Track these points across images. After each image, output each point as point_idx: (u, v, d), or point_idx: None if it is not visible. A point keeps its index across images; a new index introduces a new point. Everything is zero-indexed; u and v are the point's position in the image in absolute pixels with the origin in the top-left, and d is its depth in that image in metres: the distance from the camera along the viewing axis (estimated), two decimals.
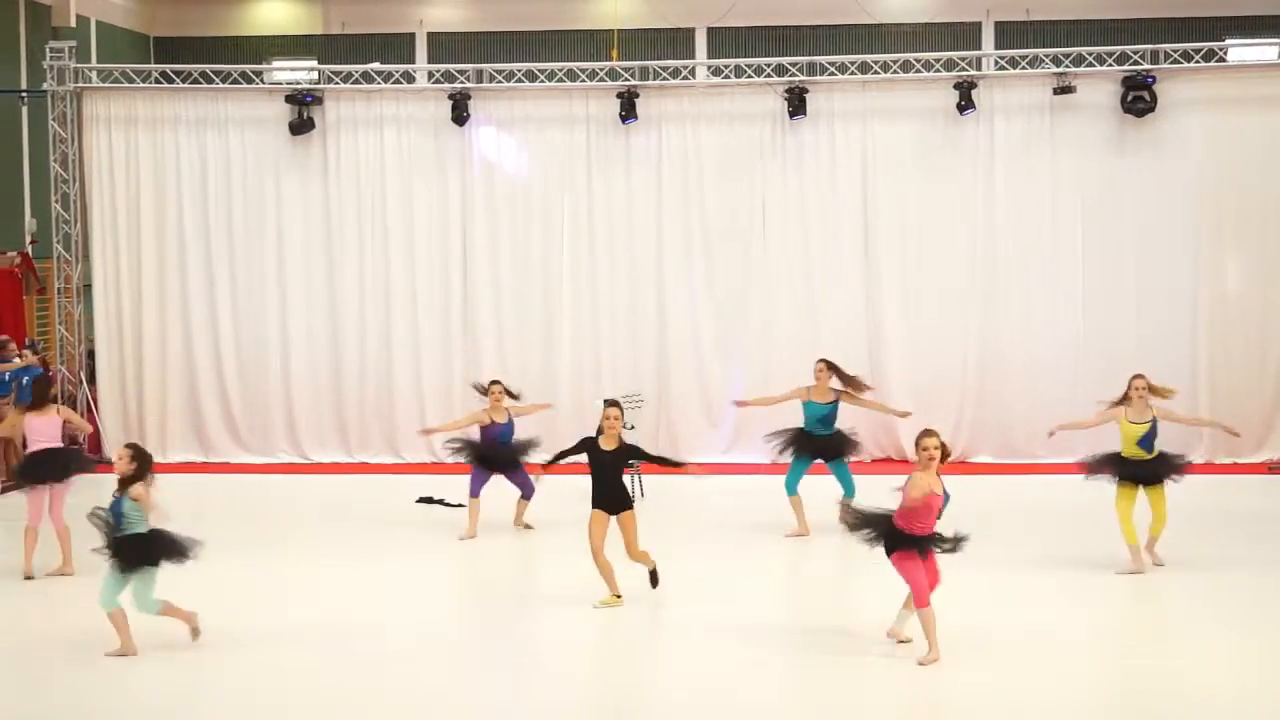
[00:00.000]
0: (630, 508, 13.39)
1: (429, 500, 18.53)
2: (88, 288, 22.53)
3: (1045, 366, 21.24)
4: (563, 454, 13.59)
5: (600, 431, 13.37)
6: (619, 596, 13.37)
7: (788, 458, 16.72)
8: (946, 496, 11.74)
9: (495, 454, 16.63)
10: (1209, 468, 20.39)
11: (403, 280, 21.90)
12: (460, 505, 17.23)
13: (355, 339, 22.00)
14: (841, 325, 21.44)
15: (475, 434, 17.04)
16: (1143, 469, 14.73)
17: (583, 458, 13.38)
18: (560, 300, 21.86)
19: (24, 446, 15.70)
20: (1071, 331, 21.25)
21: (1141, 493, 14.73)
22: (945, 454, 11.73)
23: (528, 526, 16.97)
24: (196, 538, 12.17)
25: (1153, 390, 14.93)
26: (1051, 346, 21.26)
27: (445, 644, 12.74)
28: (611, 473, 13.29)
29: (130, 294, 22.15)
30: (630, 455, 13.34)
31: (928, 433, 11.81)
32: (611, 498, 13.29)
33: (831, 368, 16.60)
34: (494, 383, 17.03)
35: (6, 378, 20.61)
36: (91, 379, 22.48)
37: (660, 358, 21.78)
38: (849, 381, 16.53)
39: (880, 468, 20.88)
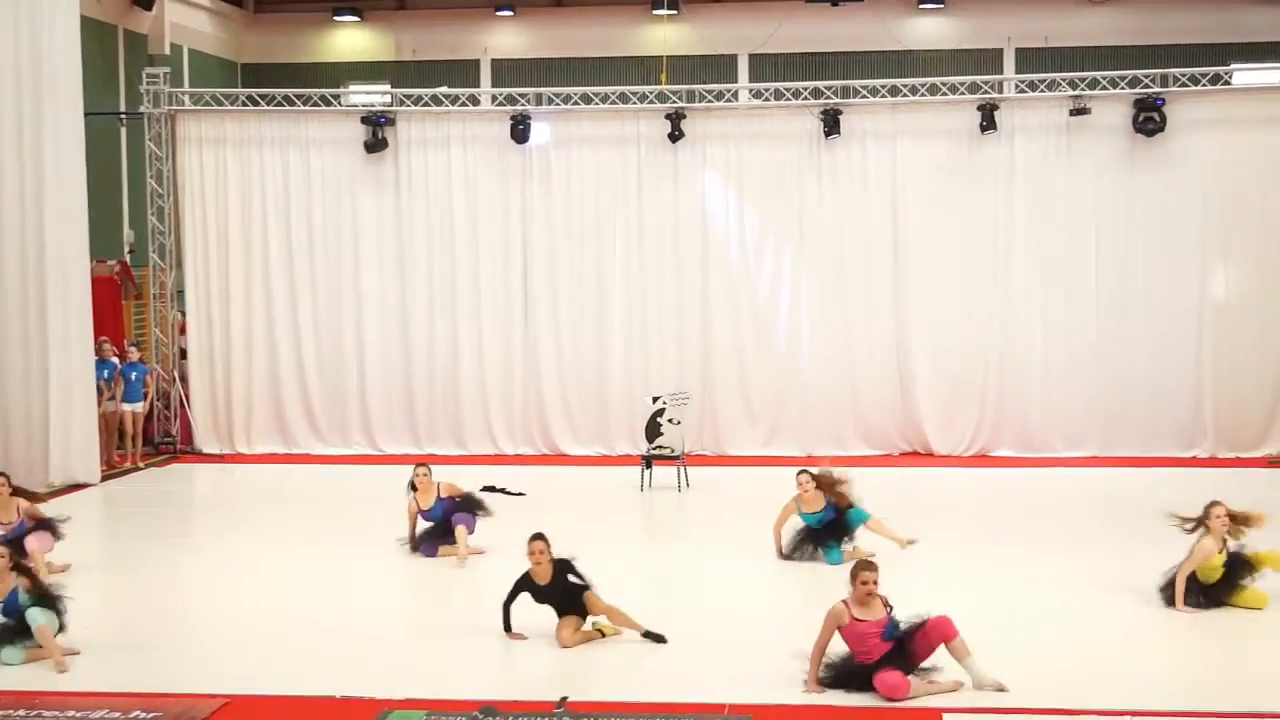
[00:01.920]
0: (581, 600, 11.64)
1: (492, 489, 18.46)
2: (180, 293, 22.77)
3: (1061, 368, 21.27)
4: (508, 606, 11.70)
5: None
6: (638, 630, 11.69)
7: (813, 554, 14.46)
8: (890, 625, 10.24)
9: (438, 531, 14.94)
10: (1213, 461, 20.56)
11: (468, 285, 22.01)
12: (521, 494, 17.10)
13: (424, 339, 22.12)
14: (872, 328, 21.56)
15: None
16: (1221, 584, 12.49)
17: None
18: (613, 304, 21.92)
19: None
20: (1085, 336, 21.20)
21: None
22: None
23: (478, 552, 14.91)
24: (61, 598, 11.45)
25: (1234, 519, 12.41)
26: (1067, 349, 21.23)
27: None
28: (555, 601, 11.63)
29: (219, 299, 22.35)
30: (565, 573, 11.60)
31: (866, 565, 10.48)
32: (565, 607, 11.66)
33: (815, 478, 14.48)
34: (418, 466, 15.33)
35: (132, 375, 21.01)
36: (184, 377, 22.70)
37: (705, 358, 21.79)
38: (831, 486, 14.49)
39: (906, 460, 21.09)
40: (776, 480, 19.09)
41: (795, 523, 14.67)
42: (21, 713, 10.00)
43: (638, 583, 13.83)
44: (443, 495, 15.10)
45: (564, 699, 10.21)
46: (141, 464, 21.26)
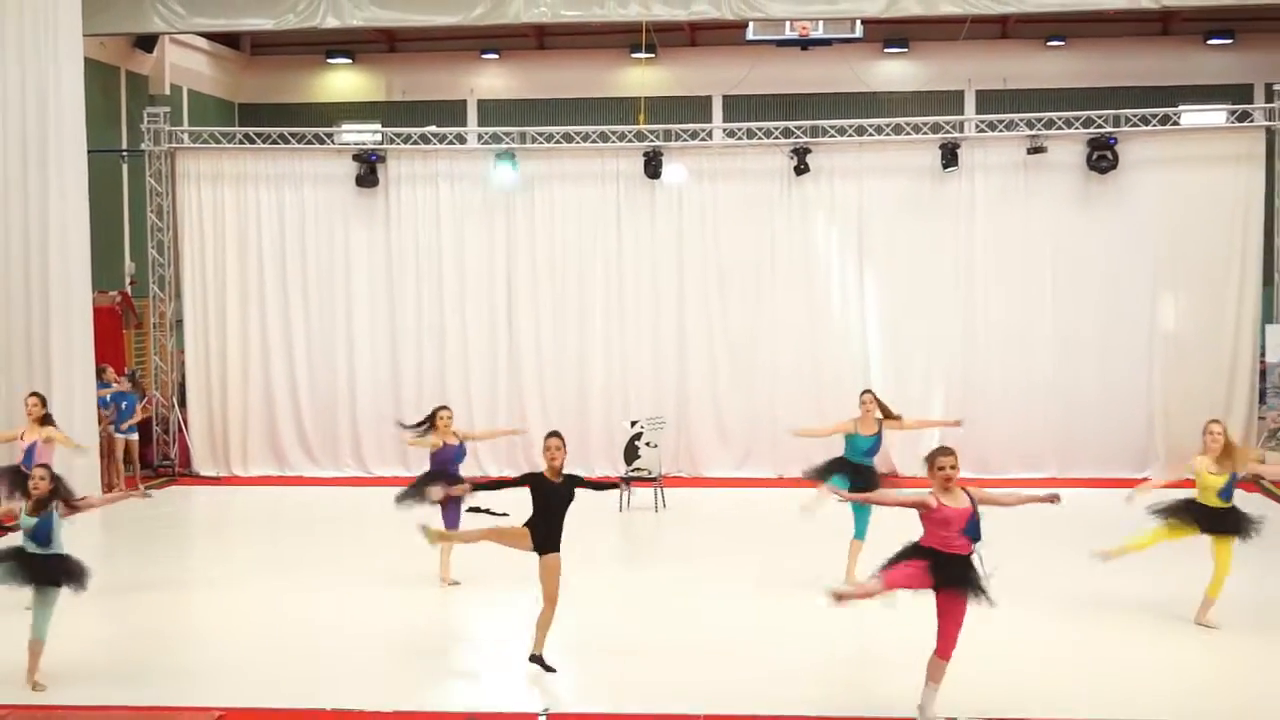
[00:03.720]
0: (557, 551, 11.11)
1: (476, 510, 18.36)
2: (179, 323, 22.72)
3: (1019, 394, 21.29)
4: (503, 483, 11.49)
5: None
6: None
7: (832, 482, 13.46)
8: (973, 520, 9.66)
9: (442, 479, 13.95)
10: (1164, 482, 20.35)
11: (454, 314, 22.04)
12: (505, 515, 16.83)
13: (413, 365, 22.11)
14: (838, 355, 21.54)
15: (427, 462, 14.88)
16: (1218, 519, 12.46)
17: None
18: (593, 332, 21.92)
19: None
20: (1042, 363, 21.26)
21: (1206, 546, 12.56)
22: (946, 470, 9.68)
23: (455, 582, 14.38)
24: (88, 567, 11.06)
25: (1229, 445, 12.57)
26: (1025, 376, 21.27)
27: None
28: (554, 505, 11.05)
29: (217, 328, 22.32)
30: (574, 484, 11.16)
31: (944, 451, 9.79)
32: (546, 533, 11.05)
33: (877, 400, 14.40)
34: (441, 408, 14.81)
35: (107, 400, 20.81)
36: (182, 403, 22.66)
37: (680, 384, 21.81)
38: (888, 414, 14.35)
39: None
40: (750, 501, 19.43)
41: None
42: None
43: (617, 599, 13.86)
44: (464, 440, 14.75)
45: (546, 710, 10.17)
46: (140, 486, 21.07)
